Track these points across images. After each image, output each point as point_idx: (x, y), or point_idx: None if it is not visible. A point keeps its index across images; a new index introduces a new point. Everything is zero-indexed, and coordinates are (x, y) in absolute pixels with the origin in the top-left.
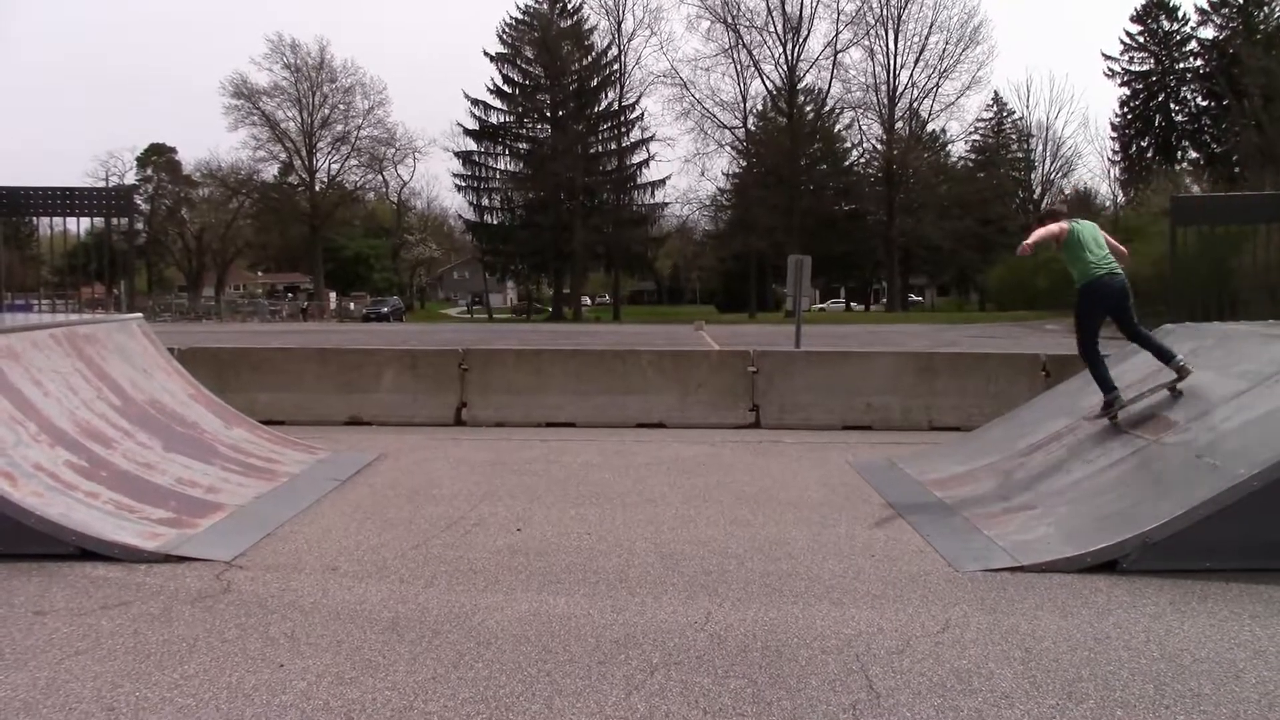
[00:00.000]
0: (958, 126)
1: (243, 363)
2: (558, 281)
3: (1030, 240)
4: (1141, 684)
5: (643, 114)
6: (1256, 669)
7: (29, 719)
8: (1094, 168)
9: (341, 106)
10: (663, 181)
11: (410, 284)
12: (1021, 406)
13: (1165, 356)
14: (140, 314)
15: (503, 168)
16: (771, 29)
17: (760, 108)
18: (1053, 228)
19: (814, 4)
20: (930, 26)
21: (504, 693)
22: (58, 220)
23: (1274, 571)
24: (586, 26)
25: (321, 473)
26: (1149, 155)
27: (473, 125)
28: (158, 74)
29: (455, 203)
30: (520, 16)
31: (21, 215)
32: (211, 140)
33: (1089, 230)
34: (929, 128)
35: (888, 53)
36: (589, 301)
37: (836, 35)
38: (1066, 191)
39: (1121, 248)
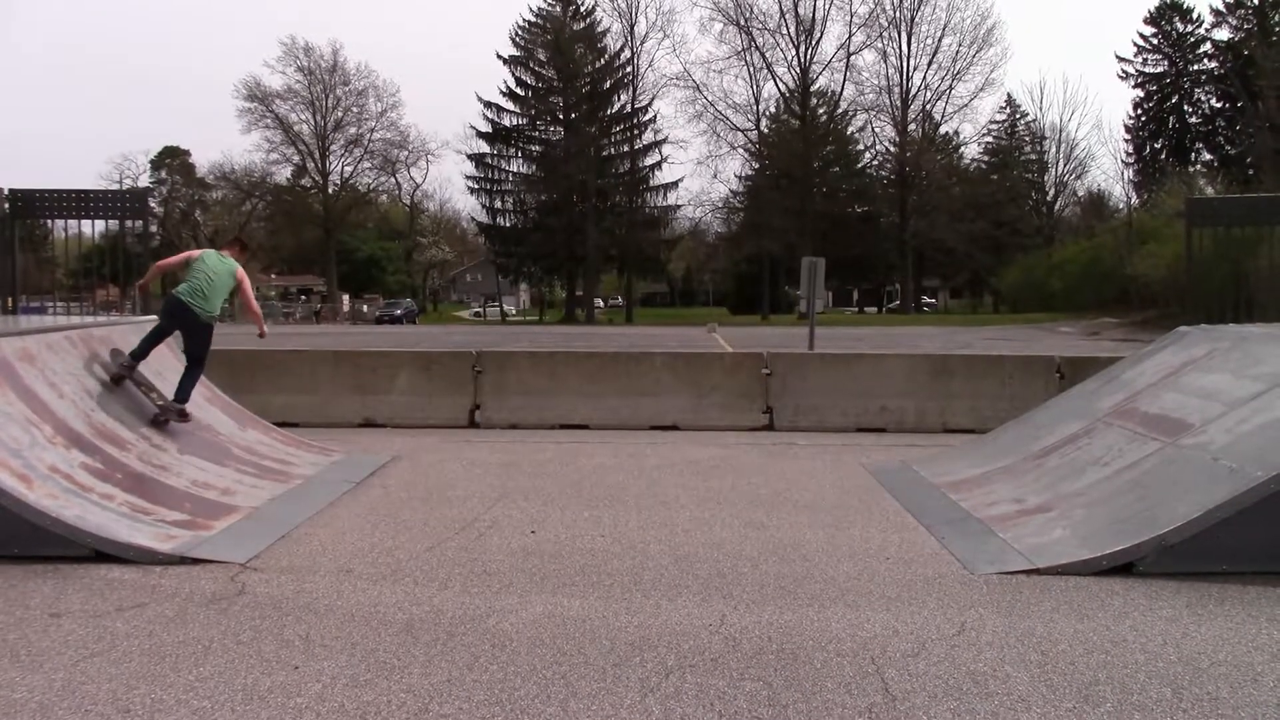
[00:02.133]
0: (971, 128)
1: (257, 365)
2: (570, 284)
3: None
4: (1159, 687)
5: (655, 116)
6: (1275, 672)
7: None
8: (1108, 170)
9: (354, 109)
10: (675, 184)
11: (423, 286)
12: (1036, 408)
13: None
14: (155, 316)
15: (515, 170)
16: (784, 31)
17: (773, 110)
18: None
19: (827, 6)
20: (943, 28)
21: (519, 695)
22: (72, 223)
23: None
24: (599, 29)
25: (336, 475)
26: (1163, 157)
27: (486, 128)
28: (171, 77)
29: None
30: (533, 19)
31: (36, 218)
32: (225, 143)
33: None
34: (942, 130)
35: (901, 55)
36: (601, 304)
37: (849, 37)
38: (1080, 193)
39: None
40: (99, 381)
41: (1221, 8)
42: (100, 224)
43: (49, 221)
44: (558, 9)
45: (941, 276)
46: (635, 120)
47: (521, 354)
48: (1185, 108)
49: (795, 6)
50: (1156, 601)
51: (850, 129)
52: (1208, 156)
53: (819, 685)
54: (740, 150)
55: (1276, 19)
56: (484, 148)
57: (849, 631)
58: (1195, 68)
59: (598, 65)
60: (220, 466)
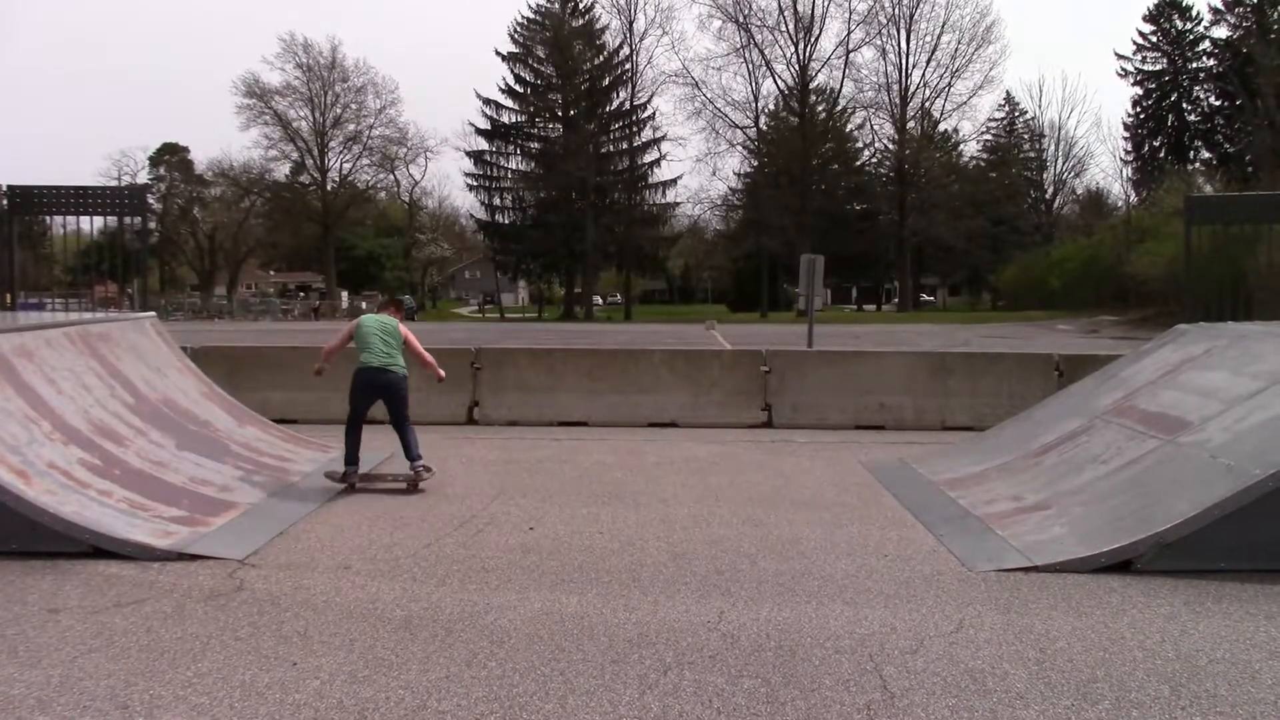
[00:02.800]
0: (970, 126)
1: (255, 361)
2: (569, 281)
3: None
4: (1157, 685)
5: (654, 113)
6: (1272, 669)
7: (43, 717)
8: (1106, 167)
9: (353, 106)
10: (674, 181)
11: (422, 283)
12: (1035, 406)
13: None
14: (153, 313)
15: (514, 167)
16: (783, 28)
17: (772, 107)
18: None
19: (825, 3)
20: (942, 26)
21: (517, 692)
22: (71, 219)
23: None
24: (598, 26)
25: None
26: (1162, 155)
27: (484, 124)
28: (170, 74)
29: (467, 202)
30: (532, 16)
31: (35, 214)
32: (224, 140)
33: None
34: (941, 127)
35: (900, 52)
36: (600, 301)
37: (848, 35)
38: (1078, 191)
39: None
40: (97, 378)
41: (1220, 6)
42: (99, 220)
43: (48, 218)
44: (556, 6)
45: (940, 274)
46: (634, 117)
47: (520, 351)
48: (1184, 105)
49: (794, 3)
50: (1154, 599)
51: (849, 126)
52: (1206, 154)
53: (817, 682)
54: (739, 147)
55: (1275, 17)
56: (483, 144)
57: (847, 628)
58: (1194, 65)
59: (596, 62)
60: (218, 463)
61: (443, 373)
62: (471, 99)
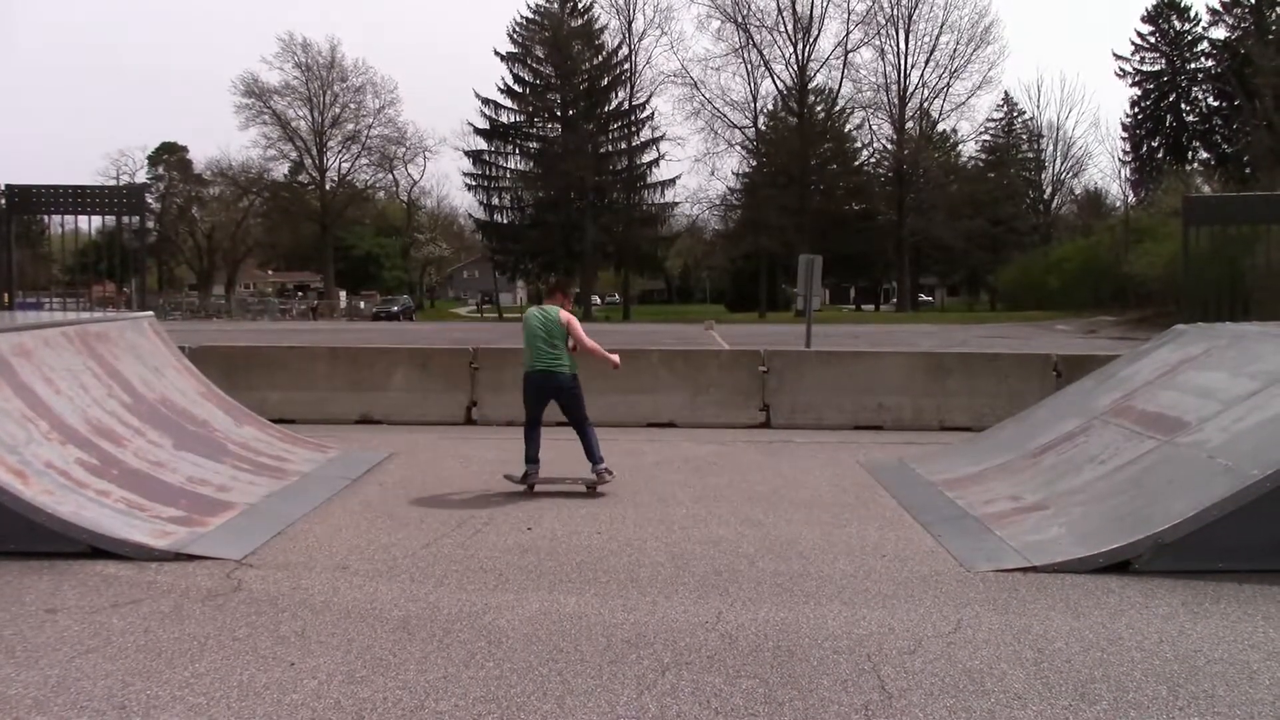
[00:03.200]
0: (968, 126)
1: (253, 361)
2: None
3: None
4: (1155, 685)
5: (653, 113)
6: (1270, 670)
7: (41, 717)
8: (1105, 168)
9: (352, 105)
10: (673, 181)
11: (420, 283)
12: (1033, 406)
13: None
14: (151, 312)
15: (513, 167)
16: (782, 29)
17: (770, 107)
18: None
19: (824, 4)
20: (941, 26)
21: (515, 692)
22: (69, 218)
23: None
24: (597, 26)
25: (332, 471)
26: (1160, 155)
27: (483, 124)
28: (169, 74)
29: (465, 202)
30: (531, 16)
31: (33, 213)
32: (222, 139)
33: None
34: (939, 127)
35: (898, 52)
36: (599, 301)
37: (847, 35)
38: (1077, 191)
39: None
40: (95, 378)
41: (1219, 6)
42: (97, 220)
43: (46, 217)
44: (555, 6)
45: (938, 274)
46: (633, 117)
47: (519, 351)
48: (1182, 106)
49: (793, 4)
50: (1153, 599)
51: (848, 126)
52: (1205, 155)
53: (815, 682)
54: (738, 147)
55: (1273, 18)
56: (481, 144)
57: (845, 629)
58: (1192, 66)
59: (595, 62)
60: (216, 463)
61: (616, 358)
62: (470, 99)
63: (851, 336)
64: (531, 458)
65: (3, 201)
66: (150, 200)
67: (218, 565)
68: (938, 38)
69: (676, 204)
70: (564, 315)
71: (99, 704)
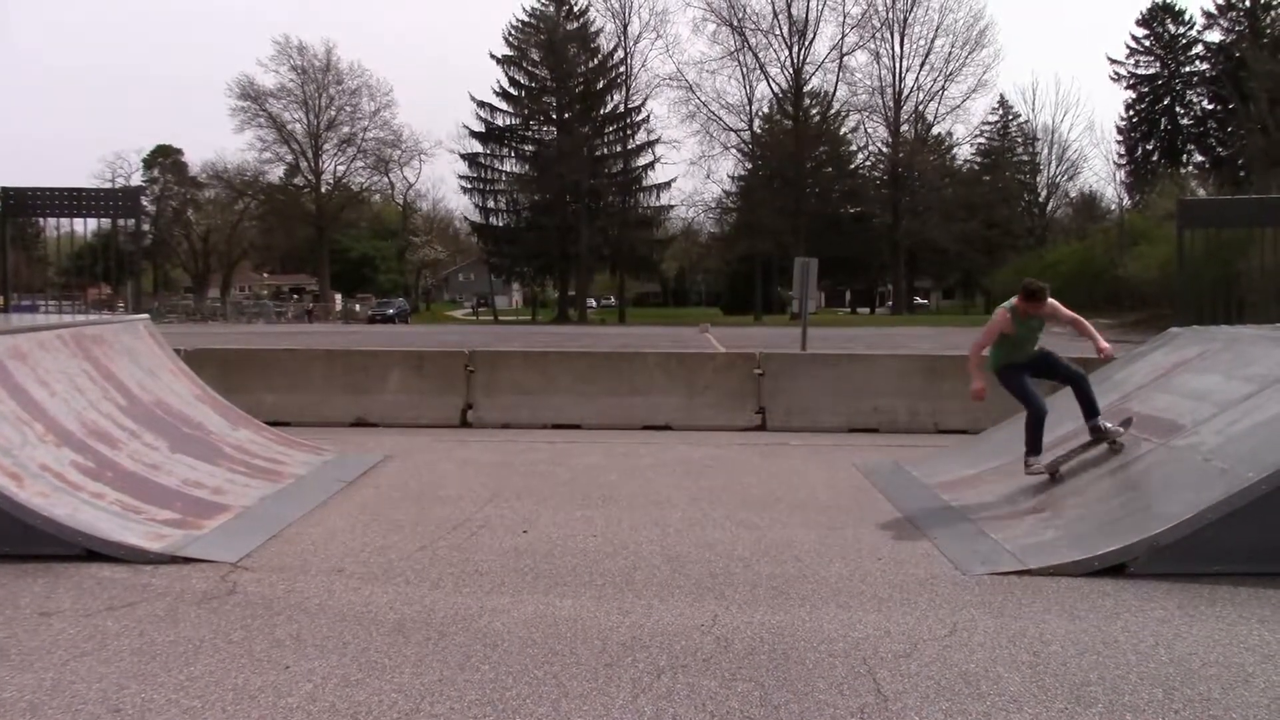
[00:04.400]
0: (963, 129)
1: (249, 364)
2: (563, 284)
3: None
4: (1150, 688)
5: (649, 116)
6: (1266, 673)
7: None
8: (1099, 171)
9: (348, 108)
10: (668, 184)
11: (416, 286)
12: None
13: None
14: (147, 315)
15: (509, 170)
16: (777, 32)
17: (766, 110)
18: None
19: (820, 7)
20: (936, 29)
21: (510, 695)
22: (64, 221)
23: None
24: (593, 29)
25: (327, 474)
26: (1155, 159)
27: (479, 127)
28: (164, 76)
29: (461, 204)
30: (526, 19)
31: (28, 216)
32: (218, 142)
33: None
34: (934, 130)
35: (893, 56)
36: (594, 303)
37: (842, 38)
38: (1072, 194)
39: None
40: (90, 380)
41: (1213, 10)
42: (93, 222)
43: (41, 220)
44: (551, 9)
45: (934, 277)
46: (628, 120)
47: (514, 353)
48: (1177, 109)
49: (788, 7)
50: (1148, 602)
51: (843, 129)
52: (1199, 158)
53: (811, 686)
54: (733, 150)
55: (1268, 21)
56: (477, 147)
57: (841, 632)
58: (1187, 69)
59: (591, 65)
60: (211, 465)
61: (1105, 345)
62: (466, 102)
63: (847, 339)
64: (1036, 445)
65: None
66: (145, 203)
67: (213, 568)
68: (933, 41)
69: (672, 207)
70: (1046, 310)
71: (94, 707)
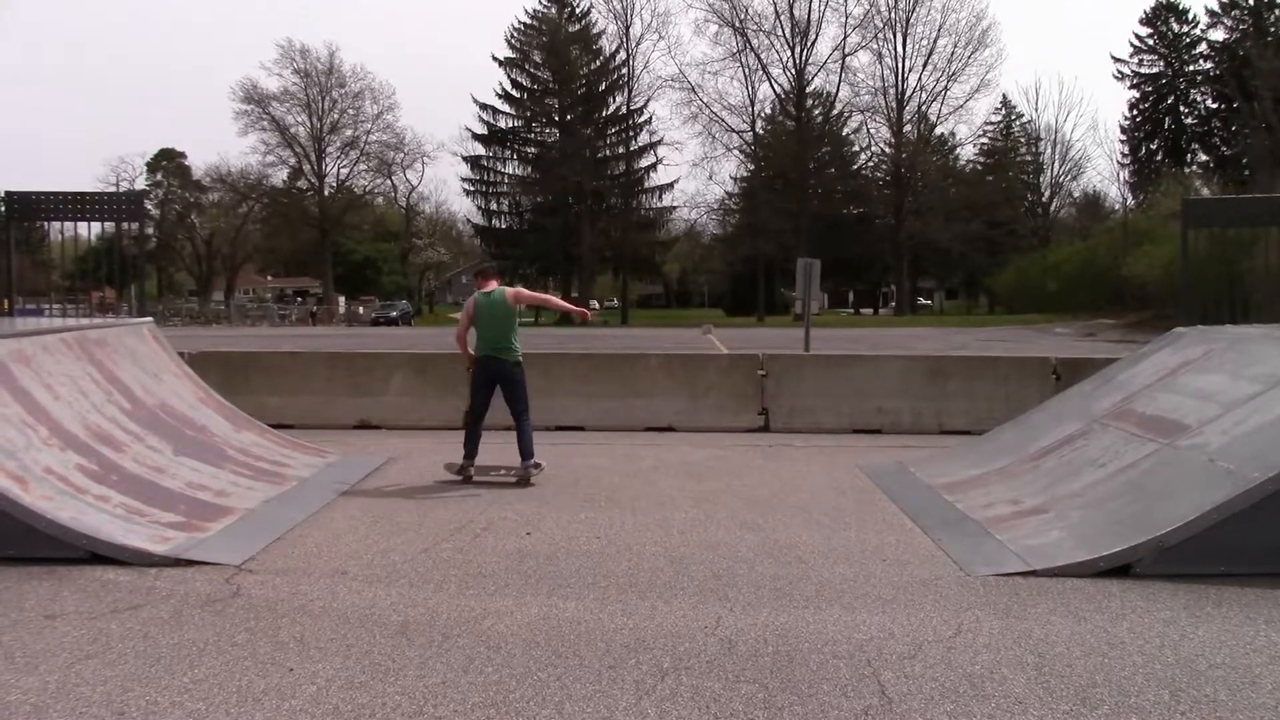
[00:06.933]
0: (966, 129)
1: (252, 366)
2: (566, 285)
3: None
4: (1156, 690)
5: (651, 118)
6: (1273, 674)
7: None
8: (1103, 170)
9: (351, 111)
10: (671, 185)
11: (419, 288)
12: (1033, 409)
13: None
14: (150, 318)
15: (511, 172)
16: (779, 33)
17: (768, 111)
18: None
19: (822, 8)
20: (938, 30)
21: (514, 697)
22: (69, 225)
23: None
24: (595, 31)
25: (331, 476)
26: (1158, 158)
27: (481, 130)
28: (168, 80)
29: (464, 207)
30: (529, 21)
31: (33, 220)
32: (221, 145)
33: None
34: (937, 131)
35: (896, 56)
36: (597, 305)
37: (845, 39)
38: (1075, 194)
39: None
40: (94, 383)
41: (1217, 8)
42: (97, 226)
43: (45, 223)
44: (553, 11)
45: (937, 277)
46: (630, 122)
47: None
48: (1181, 108)
49: (790, 8)
50: (1154, 603)
51: (845, 130)
52: (1203, 157)
53: (815, 687)
54: (735, 152)
55: (1272, 20)
56: (479, 150)
57: (845, 633)
58: (1191, 68)
59: (593, 67)
60: (215, 468)
61: (584, 311)
62: (468, 104)
63: (850, 340)
64: (470, 452)
65: (3, 208)
66: (149, 206)
67: (217, 571)
68: (935, 41)
69: (674, 208)
70: (510, 292)
71: (98, 710)
